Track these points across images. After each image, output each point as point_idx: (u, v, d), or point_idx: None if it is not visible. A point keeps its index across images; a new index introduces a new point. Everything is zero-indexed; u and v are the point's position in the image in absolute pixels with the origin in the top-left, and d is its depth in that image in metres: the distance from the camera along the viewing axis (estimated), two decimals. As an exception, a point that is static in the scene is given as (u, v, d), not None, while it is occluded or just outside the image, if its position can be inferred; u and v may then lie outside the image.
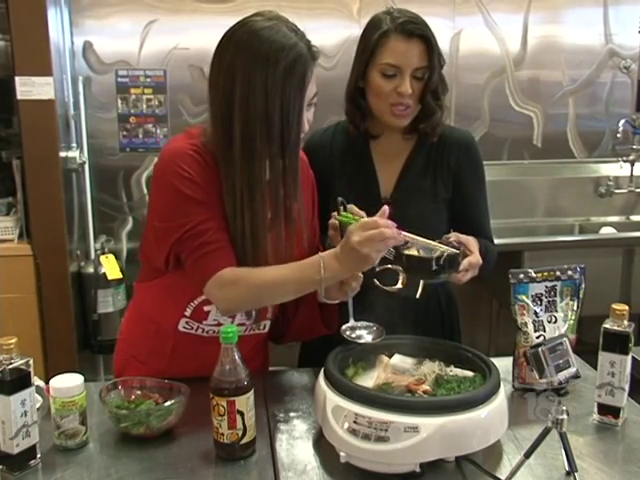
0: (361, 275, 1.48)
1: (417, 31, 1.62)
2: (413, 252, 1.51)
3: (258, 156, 1.41)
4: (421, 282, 1.58)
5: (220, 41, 1.44)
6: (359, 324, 1.50)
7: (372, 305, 1.54)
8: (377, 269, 1.65)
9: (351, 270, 1.42)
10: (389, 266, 1.61)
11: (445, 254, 1.47)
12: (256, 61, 1.38)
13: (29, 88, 2.62)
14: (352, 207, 1.50)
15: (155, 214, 1.50)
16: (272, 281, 1.43)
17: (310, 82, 1.44)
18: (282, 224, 1.49)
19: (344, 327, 1.49)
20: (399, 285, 1.57)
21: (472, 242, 1.59)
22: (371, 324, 1.51)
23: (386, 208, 1.39)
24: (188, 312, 1.54)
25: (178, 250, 1.45)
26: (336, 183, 1.72)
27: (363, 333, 1.49)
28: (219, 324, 1.54)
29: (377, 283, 1.62)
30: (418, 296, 1.65)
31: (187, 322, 1.56)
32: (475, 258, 1.56)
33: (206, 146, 1.46)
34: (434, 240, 1.46)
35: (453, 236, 1.56)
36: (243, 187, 1.42)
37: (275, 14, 1.46)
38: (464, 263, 1.52)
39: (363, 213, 1.49)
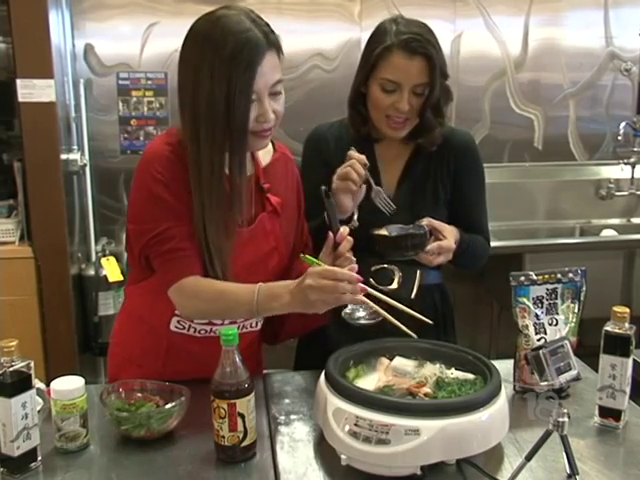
0: (354, 259, 1.48)
1: (419, 49, 1.61)
2: (383, 232, 1.63)
3: (203, 142, 1.39)
4: (416, 282, 1.63)
5: (185, 36, 1.45)
6: (358, 307, 1.50)
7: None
8: (373, 268, 1.67)
9: (298, 309, 1.41)
10: (385, 266, 1.64)
11: (407, 234, 1.61)
12: (206, 46, 1.38)
13: (30, 90, 2.62)
14: (352, 153, 1.60)
15: (129, 215, 1.52)
16: (226, 300, 1.44)
17: (267, 69, 1.39)
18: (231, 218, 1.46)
19: (345, 310, 1.51)
20: (394, 285, 1.59)
21: (448, 230, 1.68)
22: (368, 307, 1.51)
23: (355, 266, 1.40)
24: None
25: (146, 253, 1.48)
26: None
27: (362, 315, 1.50)
28: (210, 323, 1.54)
29: (373, 282, 1.63)
30: (413, 296, 1.67)
31: (178, 321, 1.55)
32: (446, 243, 1.66)
33: (181, 143, 1.46)
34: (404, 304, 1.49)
35: (425, 220, 1.66)
36: (201, 177, 1.41)
37: (242, 7, 1.45)
38: (433, 246, 1.64)
39: (364, 158, 1.59)
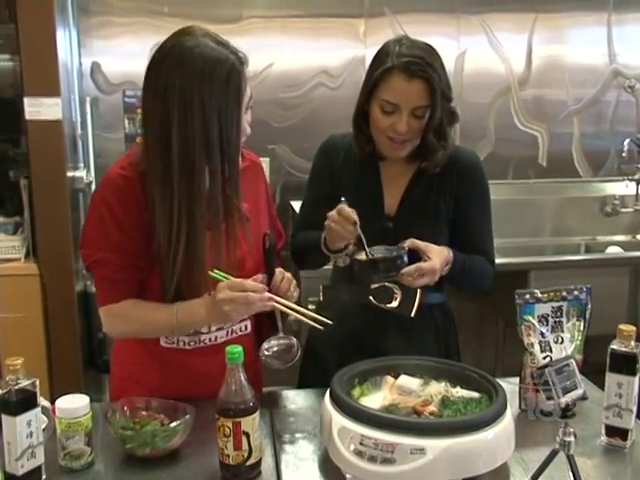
0: (295, 283, 1.58)
1: (419, 72, 1.60)
2: (360, 256, 1.61)
3: (198, 172, 1.44)
4: (416, 301, 1.64)
5: (151, 64, 1.48)
6: (281, 342, 1.59)
7: (367, 322, 1.54)
8: (373, 287, 1.67)
9: (216, 321, 1.54)
10: (385, 284, 1.63)
11: (379, 258, 1.58)
12: (190, 80, 1.41)
13: (37, 108, 2.64)
14: (343, 207, 1.58)
15: (81, 236, 1.57)
16: (147, 322, 1.53)
17: (245, 89, 1.46)
18: (221, 230, 1.50)
19: (264, 345, 1.59)
20: (394, 304, 1.59)
21: (435, 251, 1.64)
22: (292, 342, 1.59)
23: (259, 276, 1.50)
24: None
25: (89, 272, 1.58)
26: (343, 192, 1.69)
27: (274, 357, 1.59)
28: (197, 333, 1.57)
29: (373, 301, 1.63)
30: (413, 315, 1.67)
31: (167, 336, 1.58)
32: (428, 264, 1.61)
33: (137, 167, 1.49)
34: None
35: (408, 242, 1.64)
36: (182, 203, 1.44)
37: (198, 28, 1.47)
38: (410, 268, 1.59)
39: (355, 217, 1.56)
